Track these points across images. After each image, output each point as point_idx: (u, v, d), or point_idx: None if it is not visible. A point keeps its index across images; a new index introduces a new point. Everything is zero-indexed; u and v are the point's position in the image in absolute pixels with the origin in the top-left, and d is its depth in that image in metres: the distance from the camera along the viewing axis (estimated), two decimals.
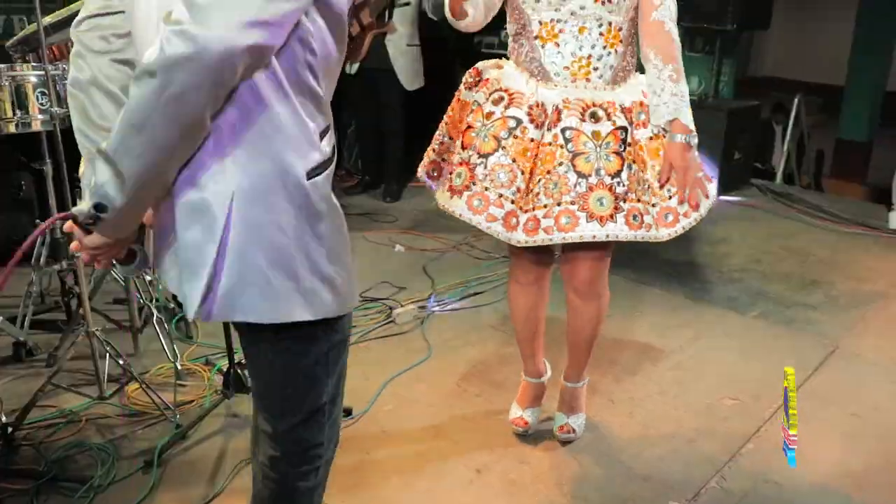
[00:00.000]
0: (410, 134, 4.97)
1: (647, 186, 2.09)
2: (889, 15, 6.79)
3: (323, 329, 1.33)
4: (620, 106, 2.09)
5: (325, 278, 1.28)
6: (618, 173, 2.05)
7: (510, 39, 2.18)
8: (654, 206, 2.09)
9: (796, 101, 5.76)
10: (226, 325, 2.44)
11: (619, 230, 2.05)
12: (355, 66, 4.76)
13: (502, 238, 2.11)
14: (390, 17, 4.65)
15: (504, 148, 2.08)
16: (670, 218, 2.10)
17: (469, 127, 2.16)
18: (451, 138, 2.25)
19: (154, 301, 2.98)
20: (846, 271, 3.89)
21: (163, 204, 1.26)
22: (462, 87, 2.26)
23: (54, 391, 2.56)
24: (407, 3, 4.64)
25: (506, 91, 2.13)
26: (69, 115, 2.63)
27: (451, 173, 2.18)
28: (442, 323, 3.28)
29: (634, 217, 2.06)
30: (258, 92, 1.17)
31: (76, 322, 2.89)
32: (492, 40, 5.62)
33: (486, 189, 2.09)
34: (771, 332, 3.21)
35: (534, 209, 2.07)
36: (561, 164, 2.05)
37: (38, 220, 3.10)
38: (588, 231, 2.04)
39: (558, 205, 2.05)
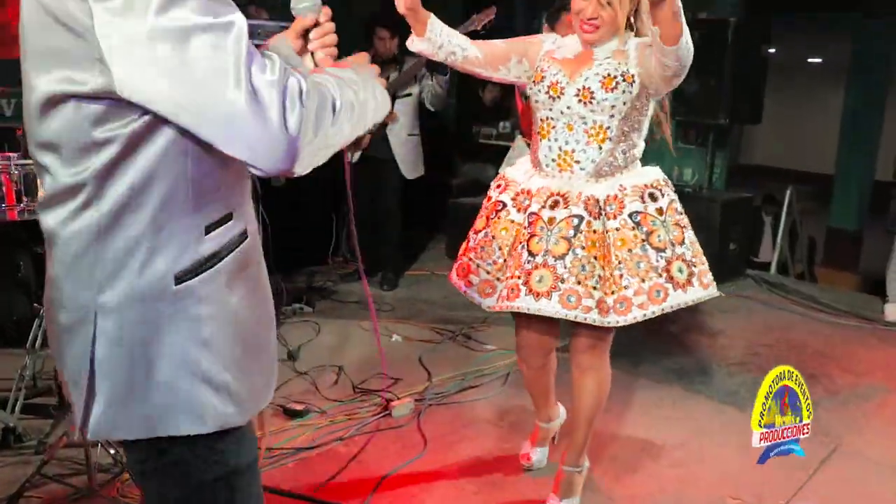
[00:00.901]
0: (409, 222, 5.02)
1: (608, 275, 2.21)
2: (875, 106, 7.00)
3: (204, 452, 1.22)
4: (589, 197, 2.24)
5: (218, 386, 1.18)
6: (562, 256, 2.22)
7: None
8: (612, 293, 2.21)
9: (789, 192, 5.85)
10: None
11: (551, 307, 2.21)
12: (357, 156, 4.85)
13: (475, 302, 2.40)
14: (392, 107, 4.76)
15: (489, 226, 2.40)
16: (623, 307, 2.22)
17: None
18: None
19: None
20: (844, 364, 3.88)
21: None
22: None
23: (42, 481, 2.49)
24: (408, 94, 4.77)
25: (504, 179, 2.45)
26: None
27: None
28: (438, 417, 3.22)
29: (569, 298, 2.20)
30: (113, 192, 1.08)
31: (68, 408, 2.85)
32: (489, 131, 5.73)
33: (470, 260, 2.41)
34: None
35: (503, 280, 2.33)
36: (521, 243, 2.30)
37: (35, 304, 3.09)
38: (524, 304, 2.23)
39: (511, 278, 2.28)
